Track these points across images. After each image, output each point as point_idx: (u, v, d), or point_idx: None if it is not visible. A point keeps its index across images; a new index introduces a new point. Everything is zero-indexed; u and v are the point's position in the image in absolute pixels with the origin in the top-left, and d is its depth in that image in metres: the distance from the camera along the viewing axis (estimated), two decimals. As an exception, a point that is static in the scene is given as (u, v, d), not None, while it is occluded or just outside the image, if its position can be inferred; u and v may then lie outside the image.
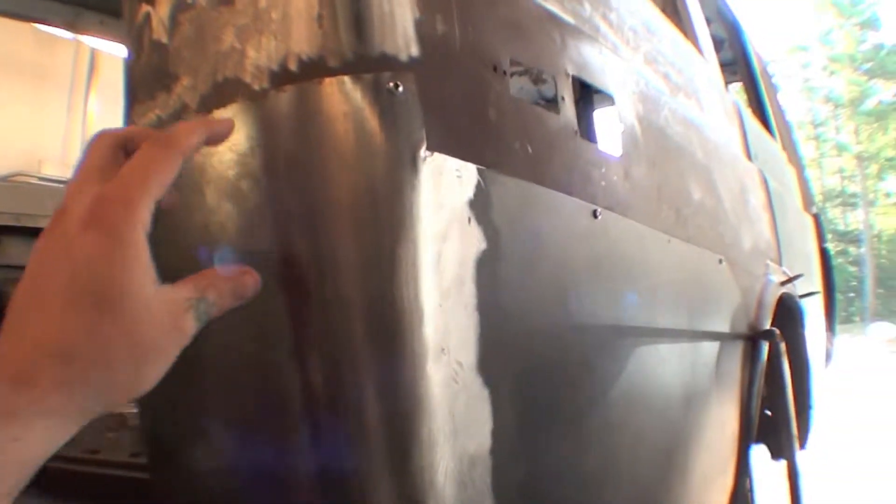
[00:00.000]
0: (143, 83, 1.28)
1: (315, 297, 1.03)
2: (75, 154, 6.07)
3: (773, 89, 5.54)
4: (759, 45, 5.17)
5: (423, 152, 1.06)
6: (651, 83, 1.96)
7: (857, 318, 55.50)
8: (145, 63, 1.27)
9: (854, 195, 63.58)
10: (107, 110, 6.12)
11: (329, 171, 1.03)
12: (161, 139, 0.83)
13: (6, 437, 0.67)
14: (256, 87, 1.09)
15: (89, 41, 6.04)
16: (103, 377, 0.74)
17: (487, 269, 1.15)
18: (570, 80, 1.49)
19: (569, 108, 1.45)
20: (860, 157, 61.63)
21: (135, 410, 1.49)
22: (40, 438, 0.70)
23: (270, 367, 1.08)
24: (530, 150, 1.32)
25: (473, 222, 1.13)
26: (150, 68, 1.26)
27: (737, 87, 5.30)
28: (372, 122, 1.03)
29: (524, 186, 1.28)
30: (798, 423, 3.25)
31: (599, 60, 1.65)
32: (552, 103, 1.43)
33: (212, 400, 1.17)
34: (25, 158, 5.86)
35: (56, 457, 0.82)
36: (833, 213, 63.37)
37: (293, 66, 1.06)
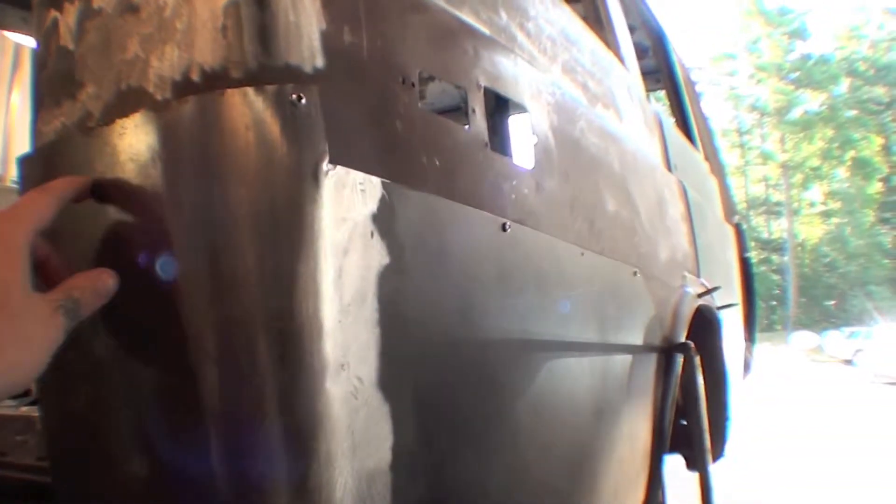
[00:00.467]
0: (50, 90, 1.25)
1: (214, 311, 1.01)
2: None
3: (696, 98, 5.59)
4: (686, 53, 5.22)
5: (325, 165, 1.05)
6: (568, 94, 1.96)
7: (779, 327, 56.30)
8: (52, 69, 1.25)
9: (778, 204, 64.51)
10: (29, 106, 6.07)
11: (230, 184, 1.01)
12: (43, 187, 1.02)
13: None
14: (159, 96, 1.07)
15: (13, 36, 5.98)
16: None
17: (390, 284, 1.14)
18: (482, 91, 1.48)
19: (479, 120, 1.45)
20: (785, 166, 62.54)
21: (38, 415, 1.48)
22: None
23: (171, 379, 1.07)
24: (438, 163, 1.31)
25: (377, 236, 1.12)
26: (57, 75, 1.24)
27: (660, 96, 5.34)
28: (274, 134, 1.02)
29: (431, 200, 1.27)
30: (715, 434, 3.29)
31: (514, 71, 1.65)
32: (463, 115, 1.43)
33: (112, 407, 1.16)
34: None
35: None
36: (757, 221, 64.23)
37: (196, 77, 1.05)
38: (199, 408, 1.02)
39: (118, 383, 1.15)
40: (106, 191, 1.10)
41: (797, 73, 60.50)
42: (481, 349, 1.42)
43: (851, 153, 61.30)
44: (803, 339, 34.81)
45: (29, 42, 5.94)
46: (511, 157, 1.56)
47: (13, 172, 5.82)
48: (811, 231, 63.67)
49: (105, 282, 1.01)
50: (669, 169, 3.17)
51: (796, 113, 61.59)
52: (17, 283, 0.91)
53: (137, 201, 1.07)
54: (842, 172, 62.89)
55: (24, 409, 1.66)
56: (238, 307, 1.00)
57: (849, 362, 28.29)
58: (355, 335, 1.07)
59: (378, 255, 1.13)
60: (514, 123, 1.61)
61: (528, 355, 1.59)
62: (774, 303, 61.25)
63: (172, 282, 1.03)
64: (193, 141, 1.04)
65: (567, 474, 1.81)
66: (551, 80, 1.88)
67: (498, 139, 1.54)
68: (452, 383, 1.32)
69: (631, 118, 2.70)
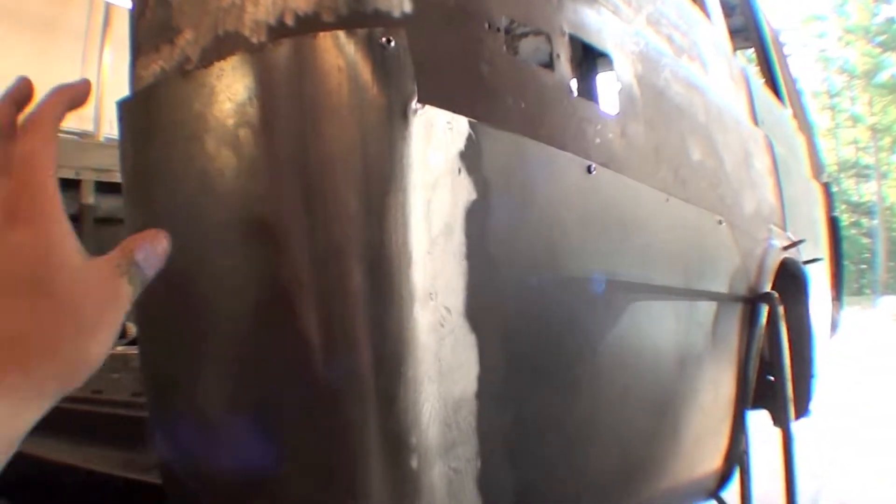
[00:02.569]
0: (147, 37, 1.30)
1: (307, 243, 1.06)
2: (90, 105, 6.05)
3: (784, 57, 5.51)
4: (774, 13, 5.14)
5: (413, 104, 1.09)
6: (652, 44, 1.98)
7: (868, 291, 55.30)
8: (150, 17, 1.30)
9: (868, 167, 63.27)
10: (120, 63, 6.08)
11: (322, 122, 1.06)
12: (30, 124, 0.84)
13: (8, 420, 0.70)
14: (255, 40, 1.12)
15: (104, -4, 6.09)
16: (53, 354, 0.76)
17: (477, 219, 1.18)
18: (567, 38, 1.51)
19: (564, 65, 1.47)
20: (874, 129, 61.31)
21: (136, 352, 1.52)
22: (5, 416, 0.71)
23: (264, 311, 1.12)
24: (523, 105, 1.34)
25: (464, 173, 1.16)
26: (155, 23, 1.29)
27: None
28: (364, 75, 1.06)
29: (516, 140, 1.31)
30: (799, 390, 3.26)
31: (597, 20, 1.67)
32: (548, 61, 1.45)
33: (208, 342, 1.20)
34: None
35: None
36: (847, 184, 63.05)
37: (290, 21, 1.09)
38: (294, 336, 1.07)
39: (212, 319, 1.19)
40: (202, 130, 1.14)
41: (883, 37, 59.22)
42: (566, 288, 1.46)
43: (940, 118, 60.00)
44: (892, 303, 34.16)
45: (118, 1, 6.03)
46: (596, 102, 1.59)
47: (105, 129, 5.96)
48: (900, 195, 62.50)
49: (162, 242, 0.88)
50: (756, 123, 3.16)
51: (884, 76, 60.35)
52: (66, 257, 0.79)
53: (234, 138, 1.11)
54: (931, 137, 61.62)
55: (120, 349, 1.71)
56: (331, 238, 1.05)
57: (938, 329, 27.75)
58: (443, 266, 1.12)
59: (465, 191, 1.17)
60: (599, 71, 1.63)
61: (612, 296, 1.62)
62: (864, 266, 60.22)
63: (269, 217, 1.08)
64: (288, 81, 1.09)
65: (648, 416, 1.84)
66: (635, 30, 1.90)
67: (583, 85, 1.56)
68: (537, 320, 1.36)
69: (716, 71, 2.69)
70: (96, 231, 4.81)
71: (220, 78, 1.13)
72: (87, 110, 6.09)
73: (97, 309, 0.78)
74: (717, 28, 3.03)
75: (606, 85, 1.65)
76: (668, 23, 2.19)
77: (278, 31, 1.10)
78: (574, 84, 1.51)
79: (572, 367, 1.48)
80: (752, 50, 4.97)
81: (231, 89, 1.11)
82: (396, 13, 1.12)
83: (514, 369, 1.28)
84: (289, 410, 1.09)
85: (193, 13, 1.22)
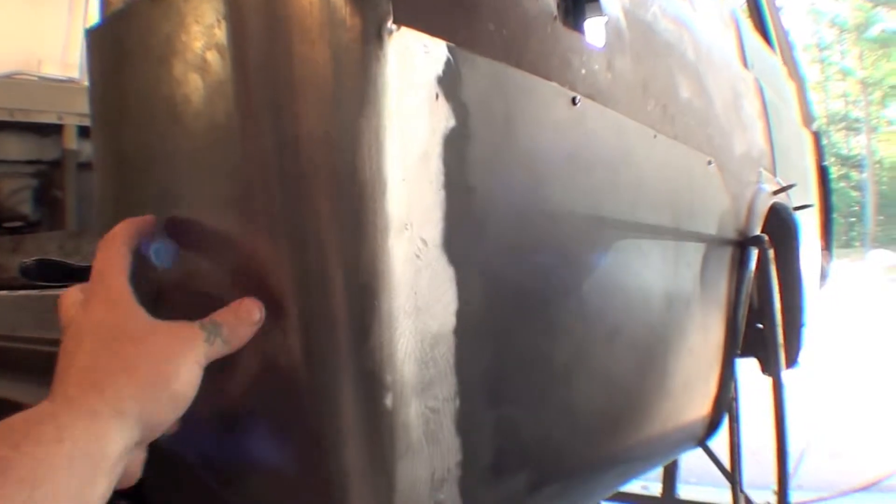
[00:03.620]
0: None
1: (277, 166, 1.02)
2: (75, 54, 6.09)
3: (775, 9, 5.50)
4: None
5: (389, 25, 1.05)
6: (640, -22, 1.94)
7: (857, 244, 55.80)
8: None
9: (858, 120, 63.68)
10: (107, 9, 6.10)
11: (293, 43, 1.02)
12: (104, 241, 1.08)
13: (91, 436, 0.86)
14: (223, -44, 1.07)
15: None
16: (127, 378, 0.92)
17: (456, 148, 1.14)
18: (552, -37, 1.47)
19: (549, -9, 1.44)
20: (864, 83, 61.62)
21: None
22: (117, 438, 0.88)
23: (232, 239, 1.08)
24: (505, 32, 1.30)
25: (441, 99, 1.12)
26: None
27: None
28: (336, -9, 1.02)
29: (497, 67, 1.27)
30: (789, 339, 3.28)
31: (584, -53, 1.63)
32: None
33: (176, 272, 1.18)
34: (25, 58, 5.84)
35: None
36: (836, 137, 63.44)
37: (258, -66, 1.04)
38: (261, 265, 1.04)
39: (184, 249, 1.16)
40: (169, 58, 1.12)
41: (874, -9, 59.47)
42: (549, 222, 1.42)
43: (930, 72, 60.34)
44: (881, 256, 34.51)
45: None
46: (582, 32, 1.55)
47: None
48: (890, 149, 62.80)
49: (253, 314, 1.03)
50: (746, 66, 3.14)
51: (875, 30, 60.56)
52: (138, 314, 1.00)
53: (202, 62, 1.07)
54: (920, 92, 61.95)
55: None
56: (300, 163, 1.01)
57: (926, 282, 27.98)
58: (419, 196, 1.08)
59: (443, 118, 1.13)
60: (586, 1, 1.60)
61: (597, 233, 1.60)
62: (853, 219, 60.74)
63: (238, 142, 1.04)
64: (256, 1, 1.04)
65: (636, 358, 1.82)
66: (623, -38, 1.86)
67: (568, 14, 1.52)
68: (519, 254, 1.33)
69: (705, 10, 2.67)
70: (79, 176, 4.83)
71: (188, 1, 1.09)
72: (73, 58, 6.11)
73: (166, 352, 0.97)
74: (706, -32, 3.00)
75: (593, 16, 1.61)
76: (656, -43, 2.16)
77: (247, -54, 1.05)
78: (559, 13, 1.47)
79: (556, 303, 1.45)
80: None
81: (198, 10, 1.07)
82: (371, -74, 1.07)
83: (494, 305, 1.25)
84: (255, 347, 1.06)
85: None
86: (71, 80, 5.82)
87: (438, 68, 1.13)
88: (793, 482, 3.77)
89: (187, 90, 1.10)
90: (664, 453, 2.47)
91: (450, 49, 1.15)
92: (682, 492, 4.29)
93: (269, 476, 1.11)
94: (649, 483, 4.59)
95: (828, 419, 6.84)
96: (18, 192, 4.74)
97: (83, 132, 4.80)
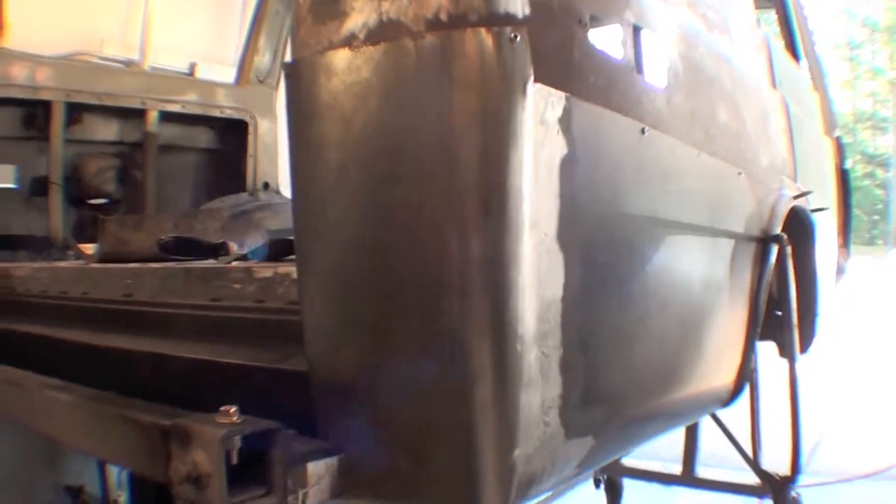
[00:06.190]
0: (315, 11, 1.66)
1: (449, 183, 1.50)
2: (135, 35, 6.26)
3: (803, 16, 5.64)
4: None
5: (531, 83, 1.52)
6: (691, 24, 2.41)
7: (880, 242, 54.41)
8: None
9: (885, 119, 61.90)
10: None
11: (467, 94, 1.49)
12: None
13: None
14: (415, 29, 1.52)
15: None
16: None
17: (566, 167, 1.61)
18: (631, 28, 1.94)
19: (629, 50, 1.91)
20: (894, 83, 60.20)
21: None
22: None
23: (408, 234, 1.56)
24: (601, 82, 1.79)
25: (560, 133, 1.60)
26: (322, 2, 1.66)
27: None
28: (498, 59, 1.49)
29: (594, 108, 1.75)
30: (804, 326, 3.62)
31: (653, 10, 2.11)
32: (618, 47, 1.89)
33: (351, 270, 1.66)
34: (87, 38, 5.95)
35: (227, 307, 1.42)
36: (863, 136, 61.85)
37: (443, 17, 1.50)
38: (433, 252, 1.52)
39: (360, 251, 1.65)
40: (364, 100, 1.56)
41: (908, -9, 57.87)
42: (623, 221, 1.92)
43: (962, 73, 58.68)
44: (903, 255, 33.80)
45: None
46: (649, 77, 2.00)
47: (150, 59, 6.23)
48: (917, 148, 61.21)
49: None
50: (774, 86, 3.50)
51: (907, 31, 59.07)
52: None
53: (395, 103, 1.56)
54: (952, 92, 60.20)
55: (282, 269, 2.06)
56: (468, 179, 1.49)
57: (948, 281, 27.39)
58: (544, 202, 1.56)
59: (560, 147, 1.61)
60: (652, 51, 2.04)
61: (654, 230, 2.09)
62: (877, 217, 59.22)
63: (412, 162, 1.53)
64: (441, 62, 1.50)
65: (680, 327, 2.32)
66: (679, 13, 2.33)
67: (640, 63, 1.97)
68: (603, 244, 1.83)
69: (741, 41, 3.08)
70: (158, 158, 5.18)
71: (386, 54, 1.54)
72: (132, 39, 6.23)
73: None
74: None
75: (656, 63, 2.05)
76: (703, 2, 2.58)
77: (434, 24, 1.50)
78: (635, 64, 1.94)
79: (627, 281, 1.94)
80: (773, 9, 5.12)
81: (395, 64, 1.53)
82: (520, 14, 1.53)
83: (587, 281, 1.71)
84: (422, 306, 1.55)
85: (363, 2, 1.60)
86: (130, 62, 6.16)
87: (559, 112, 1.60)
88: (808, 468, 4.03)
89: (381, 121, 1.58)
90: (697, 409, 2.93)
91: (566, 98, 1.62)
92: (701, 473, 4.53)
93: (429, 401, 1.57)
94: (669, 464, 4.71)
95: (844, 410, 6.91)
96: (104, 172, 4.98)
97: (163, 117, 5.19)
